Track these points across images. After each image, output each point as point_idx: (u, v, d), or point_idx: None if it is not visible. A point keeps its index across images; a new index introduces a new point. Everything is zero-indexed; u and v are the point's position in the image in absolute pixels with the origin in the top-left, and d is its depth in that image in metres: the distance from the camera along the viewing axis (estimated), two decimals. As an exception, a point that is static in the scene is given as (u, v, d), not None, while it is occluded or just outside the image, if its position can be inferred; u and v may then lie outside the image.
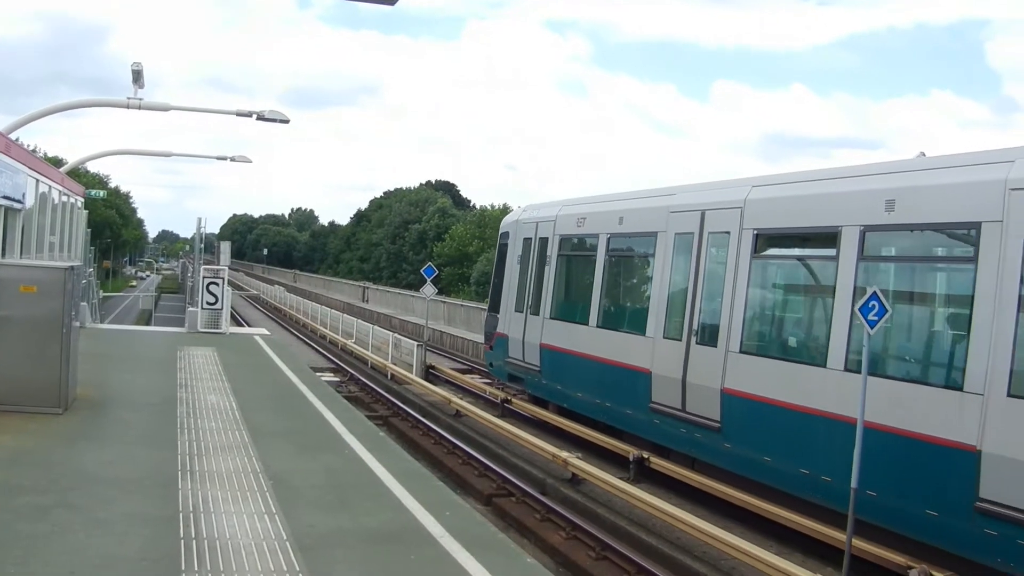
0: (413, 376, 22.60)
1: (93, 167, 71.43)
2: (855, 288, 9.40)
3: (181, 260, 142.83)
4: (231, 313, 25.22)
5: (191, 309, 21.68)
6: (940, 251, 9.32)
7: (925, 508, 8.26)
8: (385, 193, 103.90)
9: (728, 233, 11.48)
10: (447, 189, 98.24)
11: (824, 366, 9.58)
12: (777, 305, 11.69)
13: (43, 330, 10.11)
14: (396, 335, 27.04)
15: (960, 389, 8.06)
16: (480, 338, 22.77)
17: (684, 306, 12.25)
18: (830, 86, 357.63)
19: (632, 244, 14.58)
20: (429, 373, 23.75)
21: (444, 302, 42.67)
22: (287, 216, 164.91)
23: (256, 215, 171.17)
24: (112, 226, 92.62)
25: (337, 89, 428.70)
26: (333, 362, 27.97)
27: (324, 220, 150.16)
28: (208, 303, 20.43)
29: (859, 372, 9.11)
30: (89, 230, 28.89)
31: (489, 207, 79.95)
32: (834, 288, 9.68)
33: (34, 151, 45.22)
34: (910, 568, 8.26)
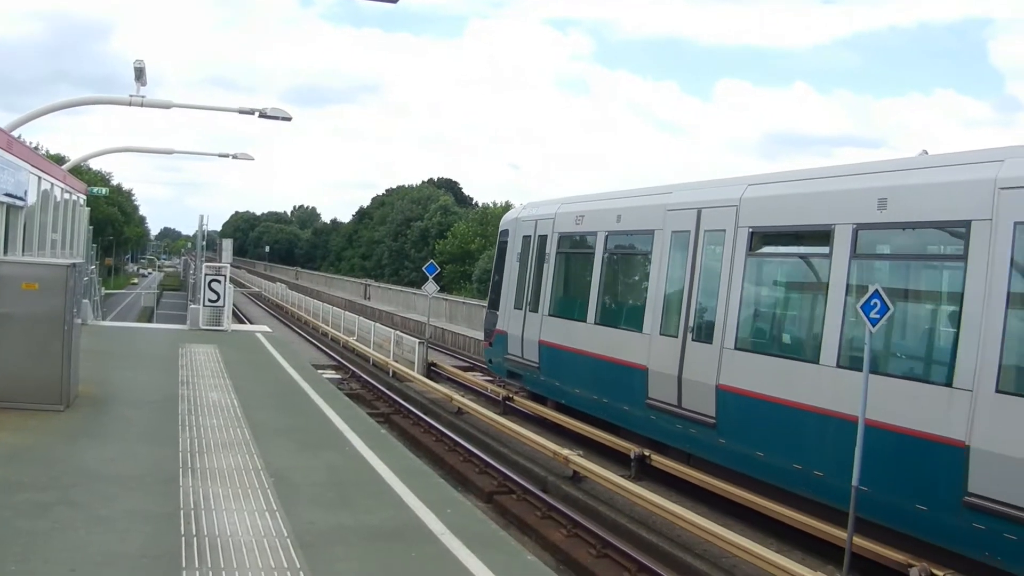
0: (415, 373, 22.71)
1: (95, 164, 71.87)
2: (848, 286, 9.50)
3: (183, 257, 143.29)
4: (233, 310, 25.33)
5: (193, 306, 21.79)
6: (931, 249, 9.40)
7: (915, 503, 8.36)
8: (387, 191, 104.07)
9: (724, 231, 11.57)
10: (449, 187, 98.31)
11: (817, 363, 9.68)
12: (771, 302, 11.79)
13: (45, 327, 10.13)
14: (398, 332, 27.11)
15: (949, 385, 8.16)
16: (481, 335, 22.88)
17: (680, 303, 12.35)
18: (832, 84, 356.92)
19: (630, 242, 14.69)
20: (431, 370, 23.85)
21: (446, 299, 42.80)
22: (289, 213, 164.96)
23: (258, 212, 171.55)
24: (114, 223, 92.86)
25: (339, 87, 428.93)
26: (335, 359, 28.07)
27: (326, 218, 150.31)
28: (210, 300, 20.49)
29: (851, 368, 9.26)
30: (91, 227, 28.97)
31: (491, 205, 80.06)
32: (827, 285, 9.78)
33: (36, 148, 45.38)
34: (910, 566, 8.29)
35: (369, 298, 57.34)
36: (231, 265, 23.65)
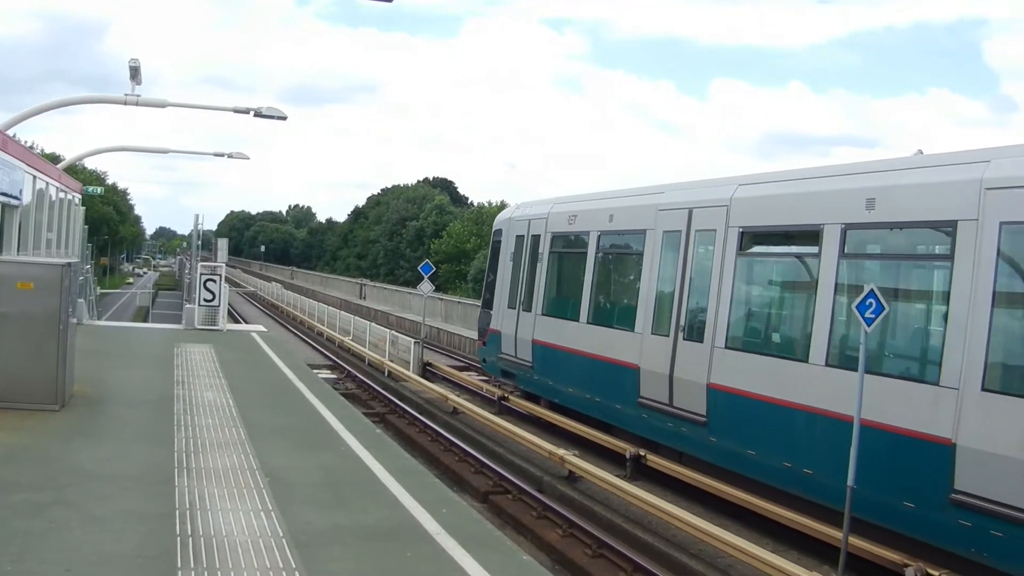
0: (410, 373, 22.75)
1: (90, 164, 71.82)
2: (836, 285, 9.60)
3: (178, 257, 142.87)
4: (228, 310, 25.40)
5: (188, 306, 21.81)
6: (918, 249, 9.50)
7: (903, 500, 8.45)
8: (383, 190, 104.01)
9: (714, 231, 11.66)
10: (445, 186, 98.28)
11: (806, 361, 9.78)
12: (761, 302, 11.90)
13: (40, 327, 10.13)
14: (393, 332, 27.14)
15: (936, 384, 8.25)
16: (476, 335, 22.94)
17: (672, 302, 12.44)
18: (828, 84, 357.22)
19: (622, 241, 14.78)
20: (426, 370, 23.88)
21: (441, 299, 42.85)
22: (285, 213, 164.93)
23: (254, 212, 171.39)
24: (109, 223, 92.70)
25: (335, 87, 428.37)
26: (330, 359, 28.09)
27: (322, 217, 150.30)
28: (205, 300, 20.52)
29: (840, 367, 9.36)
30: (86, 227, 29.01)
31: (487, 204, 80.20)
32: (816, 285, 9.87)
33: (31, 147, 45.27)
34: (906, 566, 8.33)
35: (365, 298, 57.36)
36: (226, 265, 23.68)
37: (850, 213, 9.52)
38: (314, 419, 11.31)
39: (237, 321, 35.76)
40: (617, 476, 12.11)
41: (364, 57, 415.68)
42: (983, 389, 7.82)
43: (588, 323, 14.84)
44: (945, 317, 8.33)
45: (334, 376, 23.57)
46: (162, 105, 20.15)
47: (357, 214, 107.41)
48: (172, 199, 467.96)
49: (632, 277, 14.19)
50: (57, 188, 21.30)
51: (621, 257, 15.04)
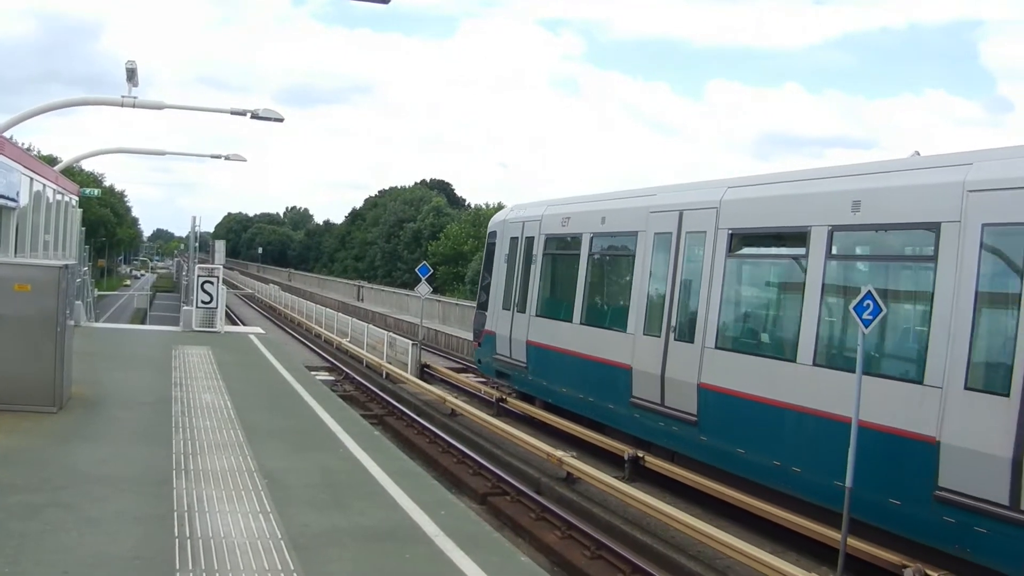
0: (408, 375, 22.82)
1: (87, 165, 71.73)
2: (824, 286, 9.74)
3: (176, 259, 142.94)
4: (226, 312, 25.47)
5: (186, 308, 21.90)
6: (903, 250, 9.61)
7: (888, 497, 8.57)
8: (380, 192, 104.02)
9: (704, 233, 11.80)
10: (442, 188, 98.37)
11: (794, 361, 9.91)
12: (750, 303, 12.03)
13: (37, 329, 10.15)
14: (391, 334, 27.20)
15: (920, 383, 8.39)
16: (472, 336, 23.04)
17: (663, 304, 12.57)
18: (824, 85, 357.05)
19: (614, 243, 14.92)
20: (424, 372, 23.92)
21: (439, 301, 42.89)
22: (282, 215, 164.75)
23: (251, 214, 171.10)
24: (107, 225, 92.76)
25: (331, 87, 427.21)
26: (328, 361, 28.13)
27: (319, 219, 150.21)
28: (203, 302, 20.58)
29: (827, 367, 9.50)
30: (83, 229, 29.11)
31: (484, 206, 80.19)
32: (804, 286, 10.00)
33: (28, 149, 45.35)
34: (904, 567, 8.39)
35: (362, 299, 57.43)
36: (224, 267, 23.80)
37: (837, 215, 9.65)
38: (312, 421, 11.35)
39: (235, 323, 35.82)
40: (615, 478, 12.13)
41: (360, 58, 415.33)
42: (966, 388, 7.94)
43: (581, 324, 14.98)
44: (929, 317, 8.46)
45: (332, 378, 23.63)
46: (159, 107, 20.19)
47: (354, 216, 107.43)
48: (169, 201, 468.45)
49: (624, 279, 14.32)
50: (54, 190, 21.41)
51: (613, 259, 15.18)
